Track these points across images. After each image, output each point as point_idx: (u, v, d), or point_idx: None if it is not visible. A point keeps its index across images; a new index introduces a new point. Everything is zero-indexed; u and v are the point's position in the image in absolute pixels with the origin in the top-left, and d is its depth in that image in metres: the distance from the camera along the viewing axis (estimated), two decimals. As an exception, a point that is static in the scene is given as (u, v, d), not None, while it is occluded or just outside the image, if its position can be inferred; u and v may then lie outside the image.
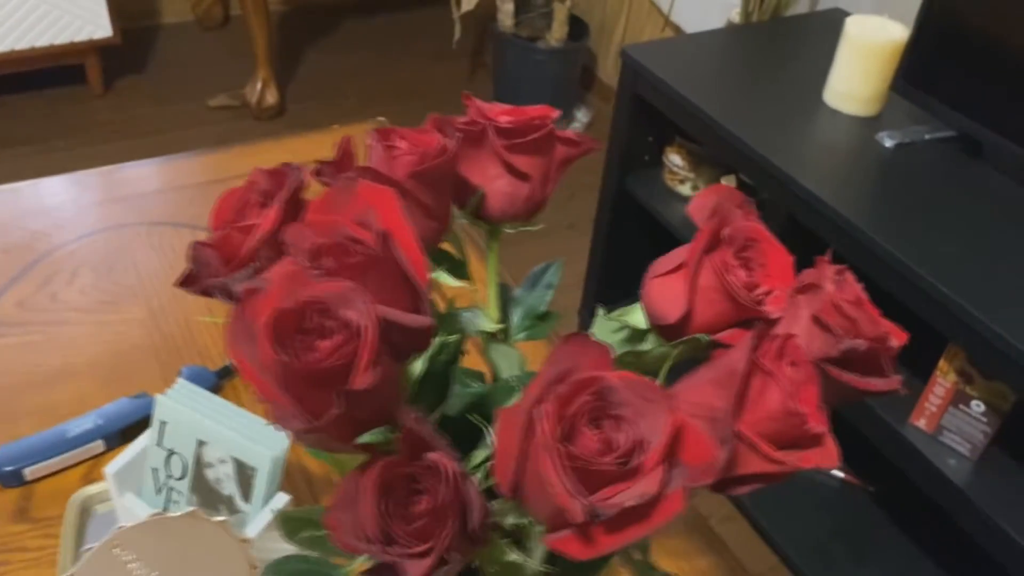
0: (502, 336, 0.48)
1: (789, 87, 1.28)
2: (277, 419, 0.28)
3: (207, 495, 0.63)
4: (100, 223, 0.97)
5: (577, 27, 2.23)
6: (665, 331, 0.39)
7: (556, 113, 0.45)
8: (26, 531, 0.66)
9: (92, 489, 0.67)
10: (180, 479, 0.64)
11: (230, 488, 0.62)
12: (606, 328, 0.42)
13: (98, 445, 0.71)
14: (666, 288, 0.38)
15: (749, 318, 0.37)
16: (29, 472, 0.69)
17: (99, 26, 2.10)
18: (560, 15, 2.11)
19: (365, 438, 0.29)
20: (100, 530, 0.65)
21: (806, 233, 1.11)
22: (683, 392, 0.34)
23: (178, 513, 0.57)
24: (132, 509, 0.63)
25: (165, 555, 0.55)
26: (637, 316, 0.41)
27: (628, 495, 0.27)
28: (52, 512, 0.67)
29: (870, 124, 1.20)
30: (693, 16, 1.95)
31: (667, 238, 1.37)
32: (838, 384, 0.35)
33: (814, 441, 0.34)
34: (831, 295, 0.35)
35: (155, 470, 0.64)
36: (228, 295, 0.35)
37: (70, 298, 0.86)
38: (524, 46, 2.20)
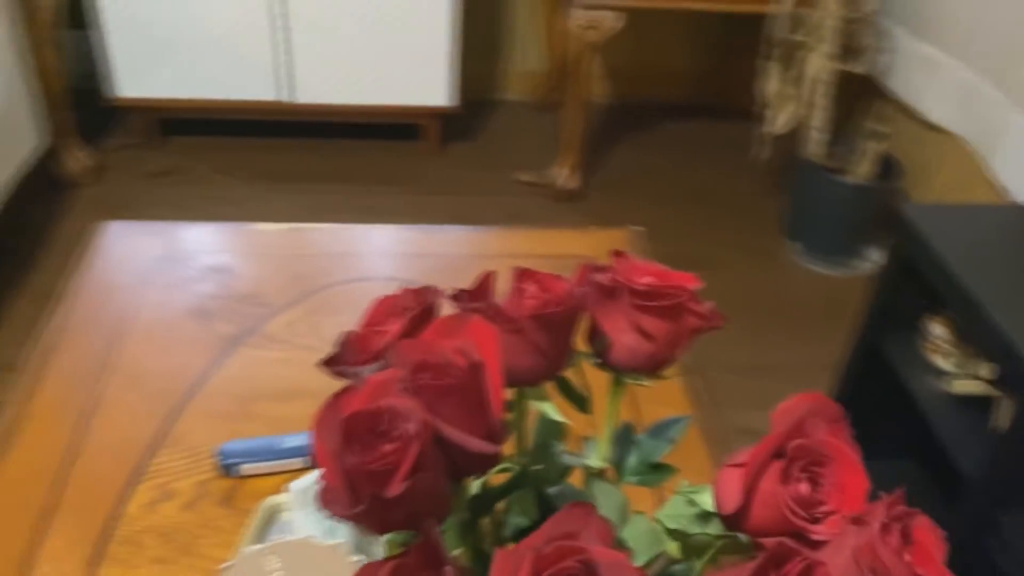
0: (610, 476, 0.51)
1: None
2: (324, 500, 0.34)
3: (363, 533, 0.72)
4: (375, 272, 1.13)
5: (890, 166, 2.14)
6: (724, 519, 0.40)
7: (697, 284, 0.48)
8: (227, 515, 0.79)
9: (283, 497, 0.79)
10: (346, 512, 0.73)
11: (380, 534, 0.70)
12: (680, 501, 0.44)
13: (301, 461, 0.83)
14: (731, 479, 0.39)
15: (800, 532, 0.37)
16: (244, 468, 0.82)
17: (445, 95, 2.40)
18: (871, 153, 2.04)
19: (389, 537, 0.34)
20: (277, 535, 0.77)
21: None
22: (709, 583, 0.36)
23: (327, 543, 0.66)
24: (302, 525, 0.74)
25: (304, 573, 0.64)
26: (708, 497, 0.42)
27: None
28: (250, 506, 0.79)
29: None
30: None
31: (910, 407, 1.27)
32: (867, 626, 0.35)
33: (817, 675, 0.34)
34: (873, 535, 0.34)
35: (330, 497, 0.74)
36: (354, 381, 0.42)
37: (326, 331, 1.01)
38: (827, 177, 2.16)
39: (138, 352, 0.96)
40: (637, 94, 2.95)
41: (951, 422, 1.19)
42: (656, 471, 0.51)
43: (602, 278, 0.47)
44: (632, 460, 0.52)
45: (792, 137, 2.25)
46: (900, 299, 1.32)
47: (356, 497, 0.34)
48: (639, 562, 0.45)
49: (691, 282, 0.48)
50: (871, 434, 1.45)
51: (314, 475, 0.74)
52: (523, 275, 0.45)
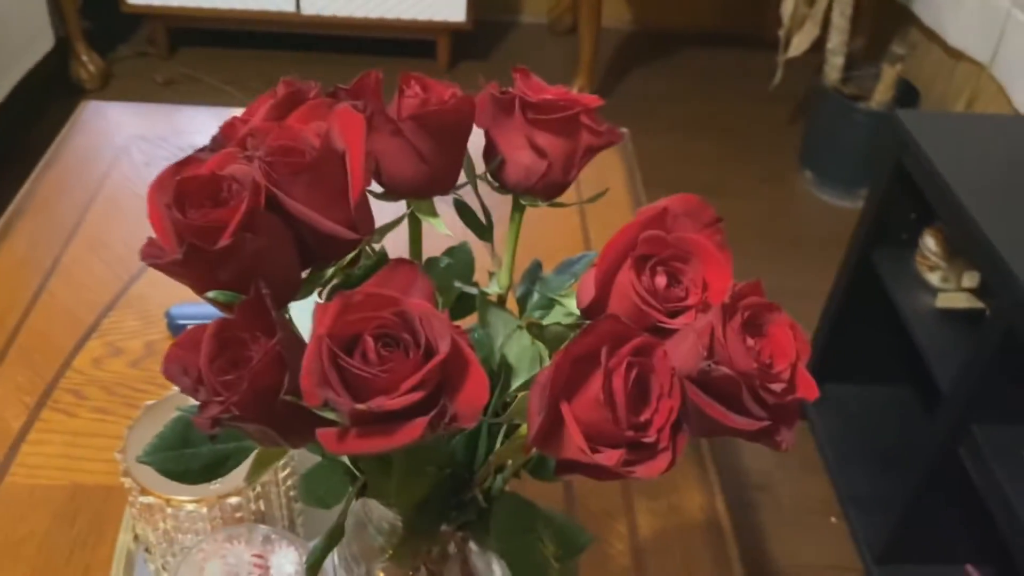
0: (512, 305, 0.50)
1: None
2: (147, 253, 0.34)
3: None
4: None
5: (909, 94, 2.07)
6: (584, 317, 0.39)
7: (598, 101, 0.46)
8: (173, 374, 0.80)
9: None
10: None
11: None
12: (560, 311, 0.43)
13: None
14: (590, 275, 0.38)
15: (654, 324, 0.36)
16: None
17: (456, 11, 2.35)
18: (888, 78, 1.97)
19: (213, 294, 0.34)
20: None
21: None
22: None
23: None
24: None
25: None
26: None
27: (370, 403, 0.29)
28: (197, 367, 0.80)
29: None
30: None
31: (902, 325, 1.24)
32: (705, 412, 0.33)
33: (647, 452, 0.33)
34: (714, 316, 0.33)
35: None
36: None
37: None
38: (844, 104, 2.09)
39: (105, 221, 0.96)
40: (659, 21, 2.87)
41: (934, 337, 1.16)
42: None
43: (497, 91, 0.45)
44: (537, 295, 0.51)
45: (816, 64, 2.18)
46: (895, 212, 1.28)
47: (179, 249, 0.33)
48: (519, 380, 0.44)
49: (593, 100, 0.46)
50: (862, 352, 1.43)
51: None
52: (408, 78, 0.44)
